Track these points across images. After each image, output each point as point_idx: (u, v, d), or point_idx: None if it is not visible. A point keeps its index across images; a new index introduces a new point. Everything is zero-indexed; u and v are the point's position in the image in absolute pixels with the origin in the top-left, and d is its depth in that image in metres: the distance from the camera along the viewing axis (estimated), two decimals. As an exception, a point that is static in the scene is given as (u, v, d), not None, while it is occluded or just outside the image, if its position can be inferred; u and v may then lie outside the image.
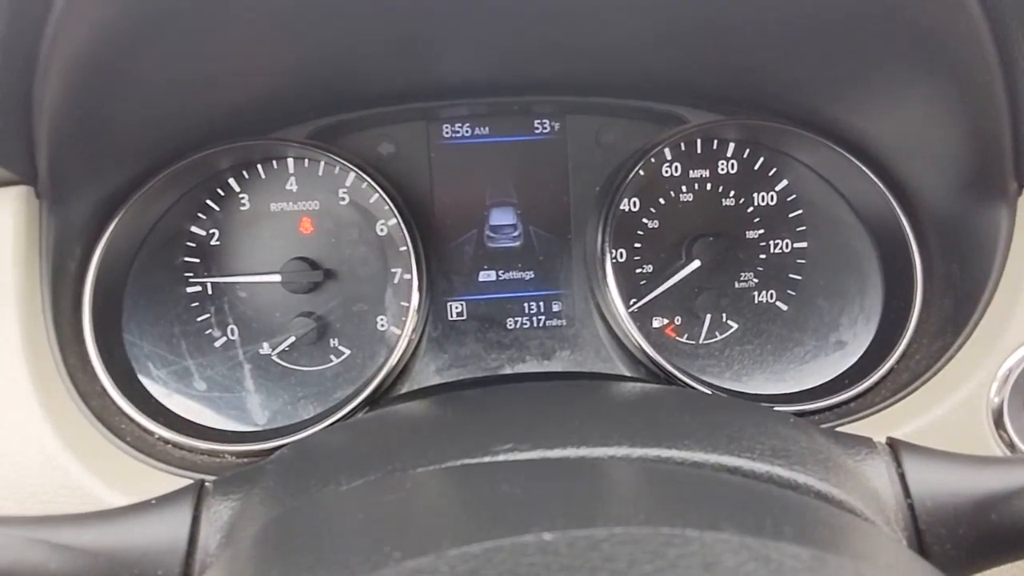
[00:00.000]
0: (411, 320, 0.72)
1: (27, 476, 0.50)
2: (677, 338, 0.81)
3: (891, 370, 0.64)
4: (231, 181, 0.76)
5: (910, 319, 0.66)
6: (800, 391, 0.68)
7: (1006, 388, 0.55)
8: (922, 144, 0.63)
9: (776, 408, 0.63)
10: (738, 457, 0.40)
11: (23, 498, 0.50)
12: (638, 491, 0.32)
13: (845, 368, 0.69)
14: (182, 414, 0.66)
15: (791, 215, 0.81)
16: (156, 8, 0.47)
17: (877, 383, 0.64)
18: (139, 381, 0.66)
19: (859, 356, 0.70)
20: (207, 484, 0.43)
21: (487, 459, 0.38)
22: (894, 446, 0.45)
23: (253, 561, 0.34)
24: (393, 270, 0.77)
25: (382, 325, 0.77)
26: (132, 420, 0.60)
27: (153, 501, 0.41)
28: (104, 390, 0.60)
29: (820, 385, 0.69)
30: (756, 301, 0.82)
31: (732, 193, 0.80)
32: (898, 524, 0.42)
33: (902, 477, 0.44)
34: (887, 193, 0.70)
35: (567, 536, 0.23)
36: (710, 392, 0.69)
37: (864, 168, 0.71)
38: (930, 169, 0.65)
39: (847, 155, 0.71)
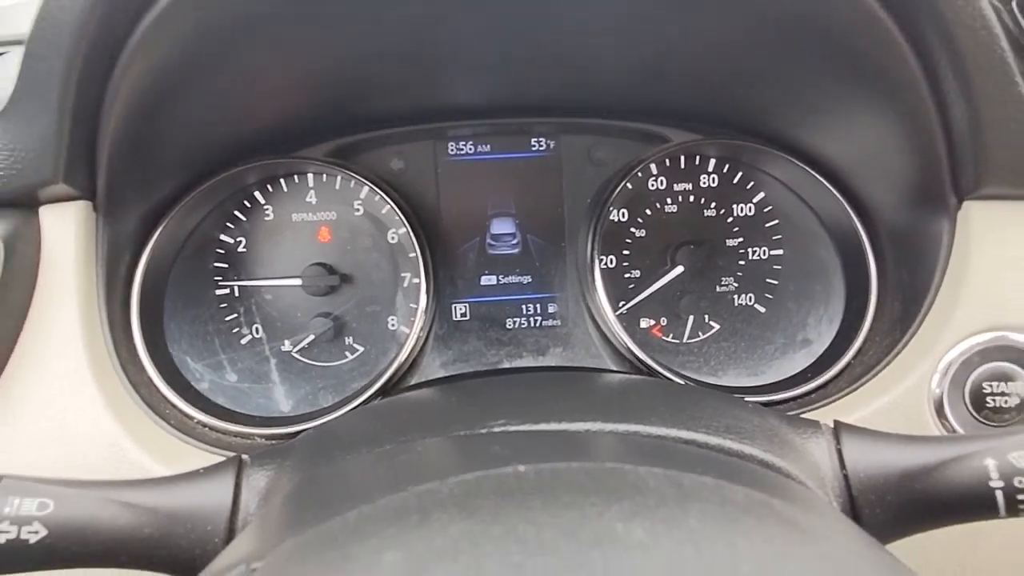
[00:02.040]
0: (419, 320, 0.80)
1: (91, 453, 0.58)
2: (663, 337, 0.89)
3: (848, 365, 0.71)
4: (257, 194, 0.83)
5: (865, 320, 0.72)
6: (769, 383, 0.75)
7: (946, 380, 0.62)
8: (874, 162, 0.71)
9: (746, 398, 0.70)
10: (694, 432, 0.47)
11: (89, 472, 0.58)
12: (598, 447, 0.39)
13: (809, 363, 0.76)
14: (217, 401, 0.74)
15: (767, 225, 0.88)
16: (207, 49, 0.55)
17: (835, 376, 0.71)
18: (180, 373, 0.74)
19: (821, 353, 0.77)
20: (244, 458, 0.50)
21: (483, 431, 0.45)
22: (837, 427, 0.52)
23: (287, 512, 0.41)
24: (403, 275, 0.84)
25: (393, 325, 0.84)
26: (174, 406, 0.68)
27: (201, 471, 0.49)
28: (151, 380, 0.68)
29: (786, 378, 0.76)
30: (736, 304, 0.88)
31: (713, 205, 0.87)
32: (834, 492, 0.49)
33: (839, 452, 0.51)
34: (847, 207, 0.77)
35: (535, 468, 0.30)
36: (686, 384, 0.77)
37: (827, 184, 0.78)
38: (883, 185, 0.72)
39: (812, 172, 0.78)
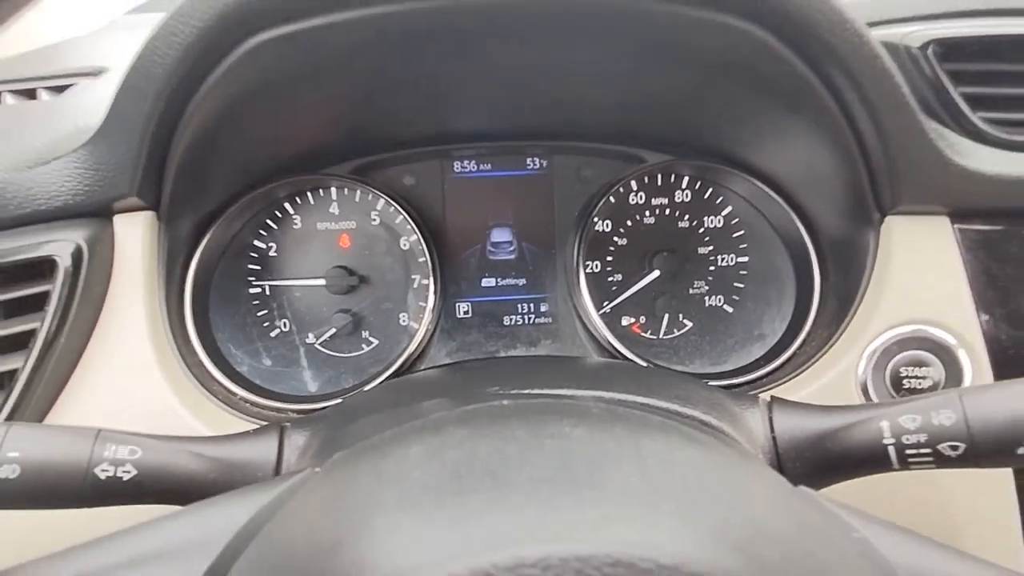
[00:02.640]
0: (427, 317, 0.92)
1: (154, 421, 0.70)
2: (641, 333, 1.00)
3: (793, 354, 0.82)
4: (287, 205, 0.95)
5: (809, 317, 0.84)
6: (728, 370, 0.87)
7: (870, 366, 0.73)
8: (815, 182, 0.82)
9: (708, 382, 0.82)
10: (647, 397, 0.59)
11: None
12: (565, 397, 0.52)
13: (762, 353, 0.88)
14: (255, 381, 0.86)
15: (734, 235, 0.99)
16: (262, 93, 0.67)
17: (782, 364, 0.82)
18: (224, 357, 0.86)
19: (772, 345, 0.88)
20: (286, 424, 0.62)
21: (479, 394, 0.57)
22: (771, 401, 0.64)
23: (331, 443, 0.53)
24: (413, 276, 0.96)
25: (404, 320, 0.96)
26: (221, 384, 0.80)
27: (251, 432, 0.61)
28: (201, 363, 0.80)
29: (742, 366, 0.87)
30: (707, 304, 1.00)
31: (686, 217, 0.99)
32: (763, 451, 0.61)
33: (771, 420, 0.62)
34: (796, 220, 0.89)
35: (515, 399, 0.42)
36: None
37: (780, 200, 0.90)
38: (823, 202, 0.84)
39: (767, 190, 0.90)
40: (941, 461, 0.54)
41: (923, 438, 0.54)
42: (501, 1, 0.60)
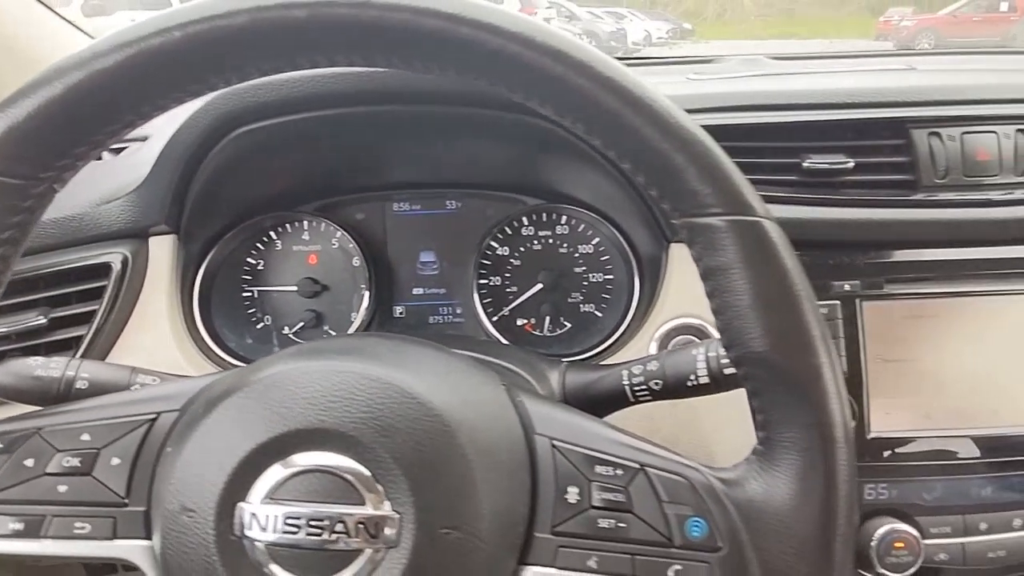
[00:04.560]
0: (362, 314, 1.23)
1: (171, 373, 1.05)
2: (532, 331, 1.32)
3: (616, 340, 1.16)
4: (271, 233, 1.30)
5: (629, 313, 1.18)
6: (571, 352, 1.20)
7: (655, 345, 1.07)
8: (621, 210, 1.17)
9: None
10: (471, 351, 0.92)
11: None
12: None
13: (596, 340, 1.22)
14: (241, 354, 1.21)
15: (602, 259, 1.32)
16: (251, 157, 1.04)
17: (607, 348, 1.15)
18: (223, 341, 1.19)
19: (605, 334, 1.22)
20: None
21: None
22: (569, 363, 0.96)
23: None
24: (361, 286, 1.28)
25: (352, 318, 1.29)
26: (218, 356, 1.11)
27: None
28: (205, 341, 1.12)
29: (584, 348, 1.20)
30: (582, 311, 1.32)
31: (565, 245, 1.31)
32: (556, 395, 0.92)
33: (563, 373, 0.95)
34: (624, 243, 1.24)
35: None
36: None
37: (612, 228, 1.25)
38: (638, 232, 1.18)
39: (604, 220, 1.25)
40: (653, 395, 0.86)
41: (641, 380, 0.86)
42: (390, 110, 0.97)
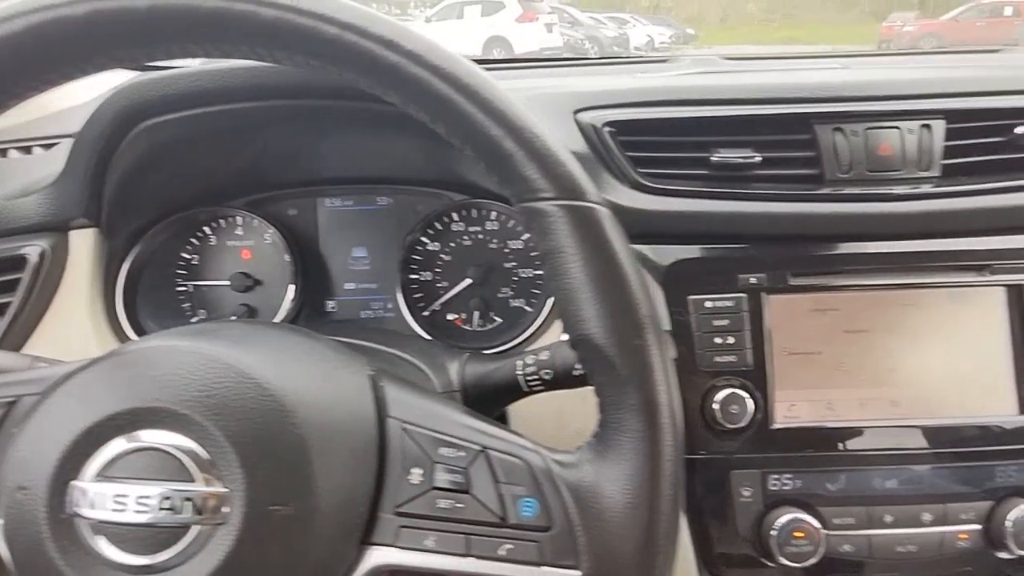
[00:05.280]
0: (286, 307, 1.25)
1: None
2: (462, 326, 1.34)
3: (533, 333, 1.17)
4: (205, 228, 1.32)
5: (546, 306, 1.19)
6: (496, 344, 1.21)
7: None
8: None
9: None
10: (373, 343, 0.92)
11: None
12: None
13: (517, 333, 1.22)
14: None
15: (532, 254, 1.34)
16: (164, 151, 1.06)
17: (524, 340, 1.16)
18: (145, 332, 1.23)
19: (525, 328, 1.23)
20: None
21: None
22: (470, 353, 0.97)
23: None
24: (290, 282, 1.30)
25: (283, 313, 1.32)
26: None
27: None
28: (125, 334, 1.16)
29: (507, 340, 1.21)
30: (511, 305, 1.34)
31: (495, 240, 1.33)
32: (455, 385, 0.93)
33: (463, 364, 0.96)
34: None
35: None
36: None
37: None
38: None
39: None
40: (545, 385, 0.86)
41: (533, 369, 0.87)
42: (303, 105, 0.98)
